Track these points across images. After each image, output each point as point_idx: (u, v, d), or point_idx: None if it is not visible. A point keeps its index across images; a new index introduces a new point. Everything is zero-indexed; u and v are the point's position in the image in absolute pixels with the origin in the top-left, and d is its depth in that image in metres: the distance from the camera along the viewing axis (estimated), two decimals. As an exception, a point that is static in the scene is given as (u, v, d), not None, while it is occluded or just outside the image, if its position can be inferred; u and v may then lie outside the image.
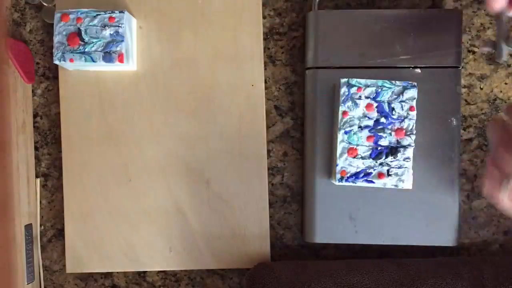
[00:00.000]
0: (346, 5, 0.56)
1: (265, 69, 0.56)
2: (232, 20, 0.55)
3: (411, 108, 0.49)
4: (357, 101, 0.49)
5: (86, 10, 0.51)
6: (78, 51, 0.51)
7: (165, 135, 0.55)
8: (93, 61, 0.51)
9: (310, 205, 0.53)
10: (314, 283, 0.49)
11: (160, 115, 0.55)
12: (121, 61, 0.51)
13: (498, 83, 0.55)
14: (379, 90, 0.49)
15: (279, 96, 0.56)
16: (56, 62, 0.51)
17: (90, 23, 0.51)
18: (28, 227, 0.54)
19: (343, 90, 0.49)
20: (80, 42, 0.51)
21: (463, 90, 0.55)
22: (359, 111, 0.49)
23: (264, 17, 0.56)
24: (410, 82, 0.49)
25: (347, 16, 0.52)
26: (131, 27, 0.53)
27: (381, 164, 0.49)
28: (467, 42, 0.55)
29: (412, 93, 0.49)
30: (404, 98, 0.49)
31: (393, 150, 0.48)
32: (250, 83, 0.55)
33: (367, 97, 0.49)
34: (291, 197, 0.56)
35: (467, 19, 0.55)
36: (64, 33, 0.51)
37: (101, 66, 0.53)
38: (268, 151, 0.56)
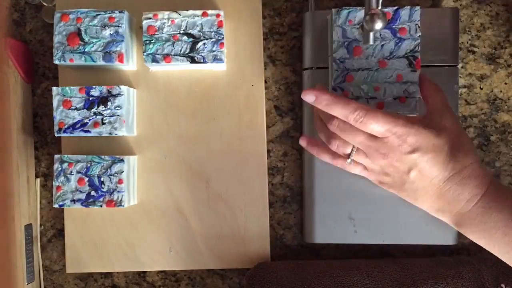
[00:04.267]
0: (346, 5, 0.56)
1: (265, 69, 0.56)
2: (232, 20, 0.55)
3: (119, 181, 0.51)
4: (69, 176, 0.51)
5: (86, 10, 0.51)
6: (78, 51, 0.51)
7: (165, 135, 0.55)
8: (93, 61, 0.51)
9: (310, 205, 0.53)
10: (314, 283, 0.49)
11: (160, 115, 0.55)
12: (121, 61, 0.51)
13: (498, 83, 0.55)
14: (89, 165, 0.51)
15: (279, 96, 0.56)
16: (56, 62, 0.51)
17: (90, 23, 0.51)
18: (28, 227, 0.54)
19: (56, 166, 0.51)
20: (80, 42, 0.51)
21: (463, 90, 0.55)
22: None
23: (264, 17, 0.56)
24: (118, 156, 0.51)
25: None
26: (131, 27, 0.53)
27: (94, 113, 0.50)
28: (467, 42, 0.55)
29: (120, 167, 0.51)
30: (112, 172, 0.51)
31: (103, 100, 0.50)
32: (250, 83, 0.55)
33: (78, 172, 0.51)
34: (291, 197, 0.56)
35: (467, 19, 0.55)
36: (64, 33, 0.51)
37: (101, 66, 0.53)
38: (268, 151, 0.56)
